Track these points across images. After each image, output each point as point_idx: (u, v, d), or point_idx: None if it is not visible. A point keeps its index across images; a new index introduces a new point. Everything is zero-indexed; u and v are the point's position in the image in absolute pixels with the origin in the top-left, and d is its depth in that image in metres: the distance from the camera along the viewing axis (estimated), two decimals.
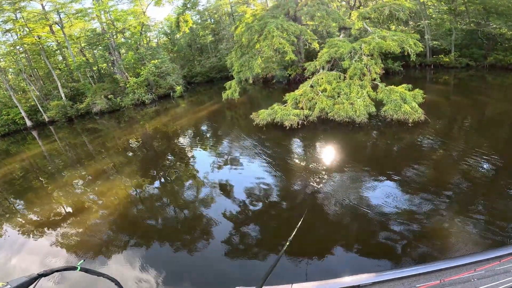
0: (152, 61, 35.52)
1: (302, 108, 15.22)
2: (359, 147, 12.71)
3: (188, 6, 29.60)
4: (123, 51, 38.20)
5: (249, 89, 31.49)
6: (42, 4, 30.98)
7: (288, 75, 27.84)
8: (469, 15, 28.61)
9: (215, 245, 7.84)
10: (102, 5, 31.40)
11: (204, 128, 21.47)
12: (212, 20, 44.37)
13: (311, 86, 15.72)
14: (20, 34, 32.48)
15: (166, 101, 34.83)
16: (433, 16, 29.61)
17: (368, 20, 17.44)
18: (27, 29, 31.12)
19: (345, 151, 12.38)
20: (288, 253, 6.86)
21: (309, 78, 17.10)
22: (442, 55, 28.23)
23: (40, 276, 1.99)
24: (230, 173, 11.90)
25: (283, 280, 4.01)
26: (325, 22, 18.56)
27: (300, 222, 5.83)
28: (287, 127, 14.19)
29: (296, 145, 13.85)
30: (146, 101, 34.48)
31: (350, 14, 24.67)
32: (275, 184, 10.36)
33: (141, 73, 35.19)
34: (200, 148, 16.31)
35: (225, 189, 10.64)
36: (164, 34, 45.75)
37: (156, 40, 45.86)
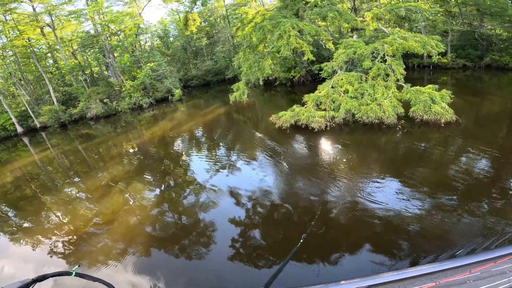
0: (148, 64, 34.07)
1: (325, 110, 14.52)
2: (392, 149, 12.07)
3: (198, 3, 28.32)
4: (117, 53, 36.53)
5: (249, 91, 30.53)
6: (33, 6, 29.03)
7: (291, 77, 27.15)
8: (463, 16, 28.90)
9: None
10: (97, 5, 29.72)
11: (221, 132, 19.51)
12: (206, 22, 43.20)
13: (332, 87, 15.04)
14: (10, 36, 30.31)
15: (164, 105, 33.39)
16: (430, 17, 29.72)
17: (382, 21, 17.00)
18: (17, 31, 29.05)
19: (379, 154, 11.72)
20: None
21: (326, 79, 16.44)
22: (439, 56, 28.28)
23: (34, 281, 1.92)
24: (268, 179, 10.87)
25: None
26: (337, 23, 17.94)
27: (309, 230, 5.59)
28: (316, 129, 13.43)
29: (330, 148, 12.92)
30: (144, 105, 32.99)
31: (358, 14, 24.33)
32: (324, 190, 9.54)
33: (137, 76, 33.69)
34: (229, 155, 14.43)
35: (270, 194, 9.73)
36: (158, 37, 44.18)
37: (149, 43, 44.22)
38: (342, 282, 4.62)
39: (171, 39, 44.95)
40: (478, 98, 18.39)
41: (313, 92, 15.99)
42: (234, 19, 40.80)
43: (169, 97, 34.43)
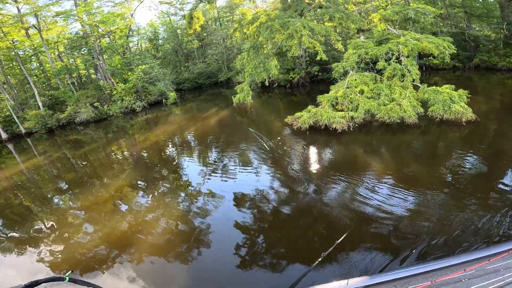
0: (140, 66, 32.68)
1: (341, 110, 14.18)
2: (422, 150, 11.76)
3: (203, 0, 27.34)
4: (106, 56, 34.87)
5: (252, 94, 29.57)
6: (17, 7, 27.10)
7: (291, 78, 26.78)
8: (451, 18, 29.64)
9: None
10: (87, 6, 28.14)
11: (232, 137, 17.46)
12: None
13: (348, 87, 14.73)
14: None
15: (158, 109, 32.02)
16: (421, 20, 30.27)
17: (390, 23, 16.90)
18: (1, 33, 27.00)
19: (411, 155, 11.42)
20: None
21: (339, 80, 16.15)
22: (431, 57, 28.85)
23: (27, 287, 1.84)
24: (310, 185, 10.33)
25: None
26: (344, 24, 17.73)
27: (339, 241, 5.45)
28: (339, 130, 13.02)
29: (358, 150, 12.26)
30: (137, 108, 31.54)
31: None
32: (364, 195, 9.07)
33: (129, 79, 32.23)
34: (254, 164, 12.72)
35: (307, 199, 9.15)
36: (148, 39, 42.66)
37: (136, 47, 42.56)
38: (337, 282, 4.56)
39: (160, 41, 43.53)
40: (476, 97, 18.69)
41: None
42: (226, 21, 40.09)
43: (163, 101, 33.18)
